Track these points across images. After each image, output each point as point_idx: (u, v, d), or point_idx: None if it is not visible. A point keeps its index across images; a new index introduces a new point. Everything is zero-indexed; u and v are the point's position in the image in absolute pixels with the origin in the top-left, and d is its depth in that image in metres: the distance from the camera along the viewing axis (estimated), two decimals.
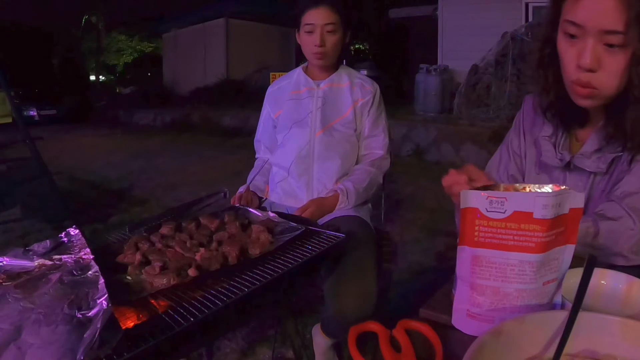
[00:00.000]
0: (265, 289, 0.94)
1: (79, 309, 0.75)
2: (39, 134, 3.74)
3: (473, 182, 0.78)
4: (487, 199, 0.61)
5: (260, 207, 1.55)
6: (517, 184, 0.69)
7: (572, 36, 0.84)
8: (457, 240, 0.66)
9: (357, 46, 16.12)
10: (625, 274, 0.72)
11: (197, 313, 0.81)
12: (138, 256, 0.99)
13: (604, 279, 0.73)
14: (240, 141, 7.40)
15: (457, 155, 5.87)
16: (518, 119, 1.13)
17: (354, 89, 1.66)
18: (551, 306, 0.65)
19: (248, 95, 10.82)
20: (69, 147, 8.18)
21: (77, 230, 1.07)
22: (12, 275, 0.90)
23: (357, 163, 1.67)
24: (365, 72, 6.77)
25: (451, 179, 0.81)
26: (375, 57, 13.94)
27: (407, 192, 4.60)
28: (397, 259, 1.78)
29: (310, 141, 1.62)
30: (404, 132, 6.50)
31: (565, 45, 0.87)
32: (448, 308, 0.70)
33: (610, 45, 0.80)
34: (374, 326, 0.65)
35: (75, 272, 0.88)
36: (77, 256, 0.95)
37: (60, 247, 1.02)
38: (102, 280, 0.82)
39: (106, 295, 0.76)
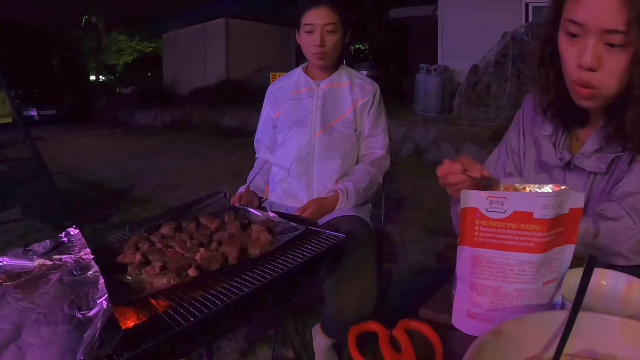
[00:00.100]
0: (265, 289, 0.94)
1: (79, 309, 0.75)
2: (39, 134, 3.74)
3: (468, 172, 0.78)
4: (487, 199, 0.61)
5: (260, 207, 1.55)
6: (517, 184, 0.69)
7: (573, 35, 0.84)
8: (457, 240, 0.66)
9: (357, 46, 16.12)
10: (625, 274, 0.72)
11: (197, 313, 0.81)
12: (138, 256, 0.99)
13: (604, 279, 0.73)
14: (240, 141, 7.40)
15: (457, 155, 5.79)
16: (518, 117, 1.13)
17: (354, 89, 1.66)
18: (551, 306, 0.65)
19: (248, 95, 10.83)
20: (69, 147, 8.18)
21: (77, 230, 1.08)
22: (12, 275, 0.90)
23: (357, 163, 1.67)
24: (365, 72, 6.78)
25: (446, 169, 0.82)
26: (375, 57, 13.94)
27: (407, 192, 4.60)
28: (397, 259, 1.77)
29: (310, 141, 1.62)
30: (404, 132, 6.50)
31: (566, 45, 0.87)
32: (448, 308, 0.70)
33: (611, 45, 0.80)
34: (374, 326, 0.65)
35: (75, 272, 0.88)
36: (77, 256, 0.96)
37: (60, 247, 1.02)
38: (102, 280, 0.82)
39: (106, 295, 0.76)
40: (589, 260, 0.57)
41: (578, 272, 0.58)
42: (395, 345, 0.62)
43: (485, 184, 0.76)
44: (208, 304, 0.84)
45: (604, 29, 0.79)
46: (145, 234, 1.13)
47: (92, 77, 23.22)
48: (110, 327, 0.69)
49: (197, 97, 12.33)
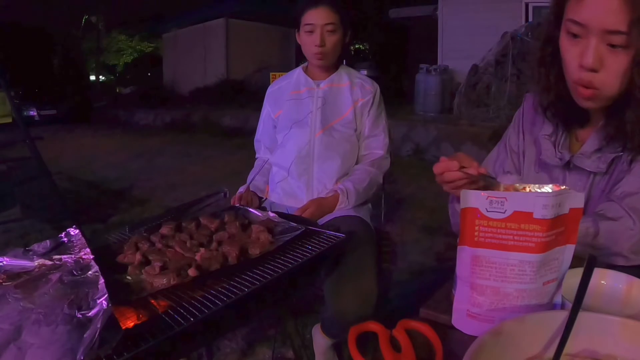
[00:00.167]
0: (265, 289, 0.94)
1: (79, 309, 0.75)
2: (39, 134, 3.73)
3: (464, 169, 0.78)
4: (487, 199, 0.61)
5: (260, 207, 1.55)
6: (517, 184, 0.69)
7: (574, 35, 0.84)
8: (457, 240, 0.66)
9: (357, 46, 16.11)
10: (625, 274, 0.72)
11: (197, 313, 0.81)
12: (138, 256, 0.99)
13: (604, 279, 0.73)
14: (240, 141, 7.40)
15: None
16: (518, 116, 1.13)
17: (354, 89, 1.66)
18: (551, 306, 0.65)
19: (248, 95, 10.83)
20: (69, 147, 8.18)
21: (77, 230, 1.08)
22: (12, 275, 0.90)
23: (357, 163, 1.67)
24: (365, 72, 6.77)
25: (443, 166, 0.82)
26: (375, 57, 13.93)
27: (407, 192, 4.60)
28: (397, 259, 1.77)
29: (310, 141, 1.62)
30: (404, 132, 6.50)
31: (568, 45, 0.86)
32: (448, 308, 0.70)
33: (613, 46, 0.80)
34: (374, 326, 0.65)
35: (75, 272, 0.88)
36: (77, 256, 0.96)
37: (60, 247, 1.02)
38: (102, 280, 0.82)
39: (106, 295, 0.76)
40: (589, 260, 0.57)
41: (578, 272, 0.58)
42: (395, 345, 0.62)
43: (485, 183, 0.76)
44: (208, 304, 0.84)
45: (606, 30, 0.79)
46: (145, 234, 1.13)
47: (92, 77, 23.25)
48: (110, 327, 0.69)
49: (197, 97, 12.35)
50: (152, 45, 22.49)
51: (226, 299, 0.86)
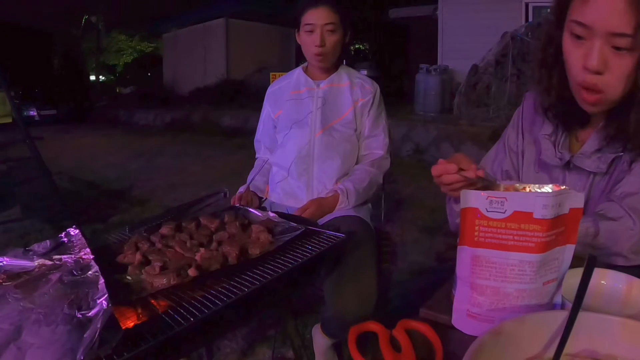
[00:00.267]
0: (265, 289, 0.94)
1: (79, 309, 0.75)
2: (39, 134, 3.74)
3: (462, 172, 0.78)
4: (487, 199, 0.61)
5: (260, 207, 1.55)
6: (517, 184, 0.69)
7: (578, 37, 0.83)
8: (457, 240, 0.66)
9: (357, 46, 16.12)
10: (625, 274, 0.72)
11: (197, 313, 0.81)
12: (138, 256, 0.99)
13: (604, 279, 0.73)
14: (240, 141, 7.40)
15: None
16: (517, 115, 1.12)
17: (354, 89, 1.66)
18: (551, 306, 0.65)
19: (248, 95, 10.83)
20: (69, 147, 8.18)
21: (77, 230, 1.08)
22: (12, 275, 0.90)
23: (357, 163, 1.67)
24: (365, 72, 6.77)
25: (441, 169, 0.81)
26: (375, 57, 13.94)
27: (407, 192, 4.60)
28: (397, 259, 1.77)
29: (310, 141, 1.62)
30: (404, 132, 6.50)
31: (571, 46, 0.85)
32: (448, 308, 0.70)
33: (618, 48, 0.79)
34: (374, 326, 0.65)
35: (75, 272, 0.88)
36: (77, 256, 0.96)
37: (60, 247, 1.02)
38: (102, 280, 0.82)
39: (106, 295, 0.76)
40: (589, 260, 0.57)
41: (578, 272, 0.57)
42: (395, 345, 0.62)
43: (483, 184, 0.76)
44: (208, 304, 0.84)
45: (611, 32, 0.78)
46: (145, 234, 1.13)
47: (92, 77, 23.23)
48: (110, 327, 0.69)
49: (197, 97, 12.34)
50: (152, 45, 22.49)
51: (226, 299, 0.86)
